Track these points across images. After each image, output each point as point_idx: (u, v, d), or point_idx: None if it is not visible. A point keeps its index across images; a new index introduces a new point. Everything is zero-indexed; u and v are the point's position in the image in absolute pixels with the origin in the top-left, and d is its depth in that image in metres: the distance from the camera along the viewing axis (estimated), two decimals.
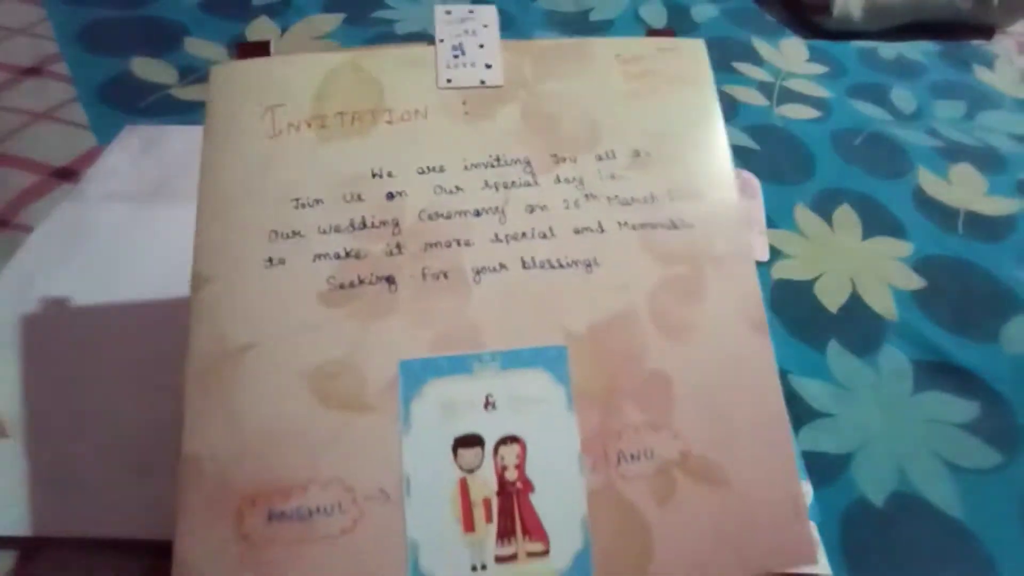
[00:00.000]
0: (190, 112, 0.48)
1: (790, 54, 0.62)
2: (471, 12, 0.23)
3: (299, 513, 0.18)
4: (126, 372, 0.32)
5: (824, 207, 0.46)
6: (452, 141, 0.22)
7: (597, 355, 0.20)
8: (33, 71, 0.48)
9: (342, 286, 0.20)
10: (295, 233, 0.20)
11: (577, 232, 0.21)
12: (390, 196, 0.21)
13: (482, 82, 0.23)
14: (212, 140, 0.21)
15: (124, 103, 0.47)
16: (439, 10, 0.23)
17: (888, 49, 0.65)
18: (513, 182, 0.22)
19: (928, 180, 0.49)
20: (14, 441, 0.29)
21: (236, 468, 0.18)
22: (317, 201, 0.20)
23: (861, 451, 0.33)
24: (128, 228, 0.38)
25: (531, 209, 0.21)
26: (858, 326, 0.38)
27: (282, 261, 0.20)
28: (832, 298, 0.40)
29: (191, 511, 0.18)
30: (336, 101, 0.22)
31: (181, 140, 0.44)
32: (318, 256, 0.20)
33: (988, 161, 0.52)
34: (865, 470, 0.32)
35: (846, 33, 0.66)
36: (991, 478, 0.32)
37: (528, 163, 0.22)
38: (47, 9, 0.54)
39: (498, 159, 0.22)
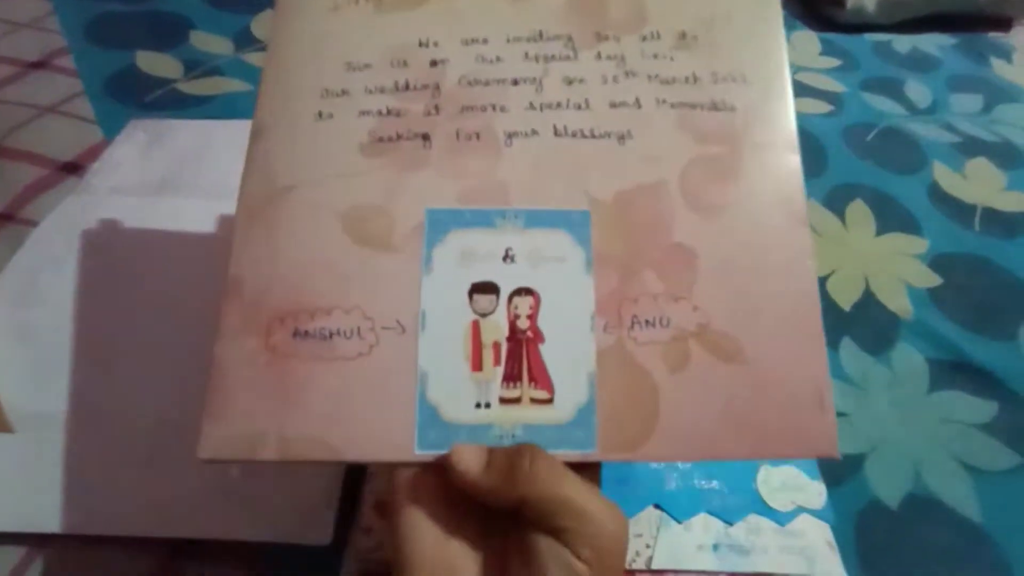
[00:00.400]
0: (196, 106, 0.47)
1: (802, 47, 0.61)
2: None
3: (321, 333, 0.19)
4: (133, 367, 0.31)
5: (837, 203, 0.45)
6: (498, 16, 0.23)
7: (620, 222, 0.20)
8: (39, 65, 0.48)
9: (381, 140, 0.21)
10: (344, 92, 0.22)
11: (613, 106, 0.21)
12: (433, 63, 0.22)
13: None
14: (280, 13, 0.24)
15: (130, 97, 0.47)
16: None
17: (903, 42, 0.64)
18: (553, 56, 0.22)
19: (944, 175, 0.48)
20: (22, 436, 0.29)
21: (270, 289, 0.20)
22: (366, 65, 0.22)
23: (875, 452, 0.32)
24: (133, 222, 0.38)
25: (568, 81, 0.22)
26: (872, 324, 0.38)
27: (330, 115, 0.22)
28: (845, 295, 0.39)
29: (229, 323, 0.19)
30: None
31: (186, 134, 0.44)
32: (363, 112, 0.21)
33: (1006, 156, 0.50)
34: (879, 471, 0.31)
35: (860, 26, 0.64)
36: (1009, 480, 0.31)
37: (570, 39, 0.22)
38: (54, 3, 0.54)
39: (540, 34, 0.22)
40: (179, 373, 0.31)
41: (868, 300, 0.39)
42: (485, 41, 0.22)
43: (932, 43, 0.64)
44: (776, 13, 0.23)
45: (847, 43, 0.63)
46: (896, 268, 0.41)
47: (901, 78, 0.59)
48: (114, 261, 0.36)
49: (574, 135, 0.21)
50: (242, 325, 0.19)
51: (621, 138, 0.21)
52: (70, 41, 0.51)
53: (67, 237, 0.37)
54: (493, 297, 0.19)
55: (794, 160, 0.21)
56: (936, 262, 0.42)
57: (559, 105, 0.21)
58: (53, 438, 0.29)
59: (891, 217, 0.44)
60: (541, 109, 0.21)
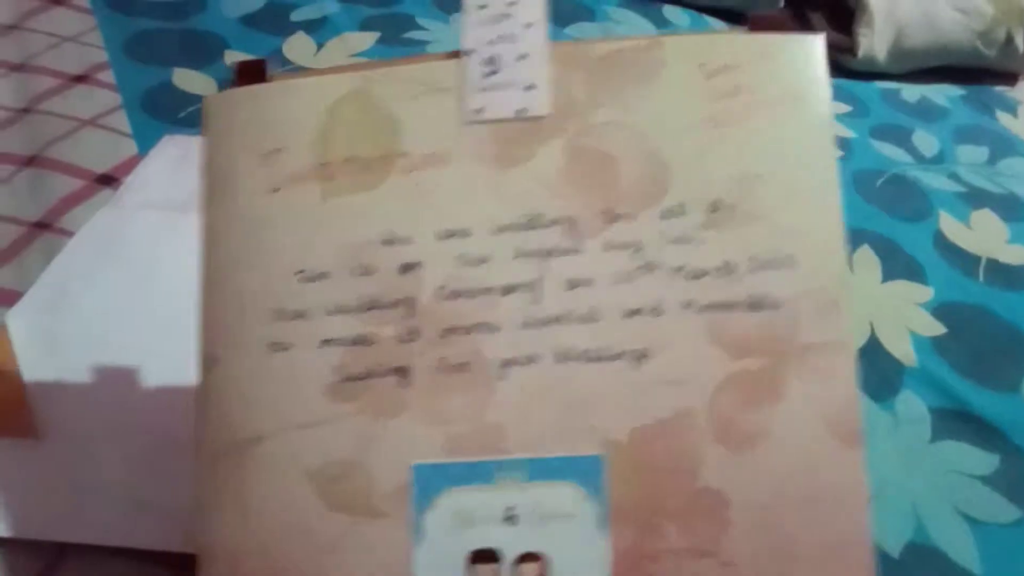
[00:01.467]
0: None
1: None
2: (511, 5, 0.19)
3: None
4: (159, 380, 0.32)
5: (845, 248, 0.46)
6: (479, 196, 0.18)
7: (639, 467, 0.17)
8: (82, 78, 0.50)
9: (349, 378, 0.18)
10: (299, 314, 0.18)
11: (628, 315, 0.18)
12: (404, 269, 0.18)
13: (520, 111, 0.18)
14: (211, 194, 0.19)
15: (165, 113, 0.49)
16: (470, 4, 0.18)
17: (911, 91, 0.66)
18: (551, 251, 0.18)
19: (949, 225, 0.49)
20: (46, 444, 0.30)
21: (246, 564, 0.18)
22: (323, 275, 0.18)
23: (877, 498, 0.33)
24: (164, 237, 0.39)
25: (572, 285, 0.18)
26: (876, 370, 0.38)
27: (286, 347, 0.18)
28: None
29: None
30: (343, 144, 0.19)
31: None
32: (324, 342, 0.18)
33: (1010, 208, 0.52)
34: (881, 518, 0.32)
35: (869, 74, 0.66)
36: (1010, 533, 0.32)
37: (572, 224, 0.18)
38: (97, 18, 0.56)
39: (534, 220, 0.18)
40: None
41: (873, 345, 0.40)
42: (466, 233, 0.18)
43: (940, 93, 0.66)
44: (830, 159, 0.18)
45: (857, 89, 0.65)
46: (901, 315, 0.42)
47: (909, 126, 0.61)
48: (143, 274, 0.37)
49: (580, 359, 0.18)
50: None
51: (638, 359, 0.18)
52: (111, 56, 0.53)
53: (98, 250, 0.38)
54: (495, 567, 0.17)
55: (847, 365, 0.18)
56: (940, 311, 0.43)
57: (560, 319, 0.18)
58: (77, 447, 0.29)
59: (897, 264, 0.45)
60: (540, 327, 0.18)
